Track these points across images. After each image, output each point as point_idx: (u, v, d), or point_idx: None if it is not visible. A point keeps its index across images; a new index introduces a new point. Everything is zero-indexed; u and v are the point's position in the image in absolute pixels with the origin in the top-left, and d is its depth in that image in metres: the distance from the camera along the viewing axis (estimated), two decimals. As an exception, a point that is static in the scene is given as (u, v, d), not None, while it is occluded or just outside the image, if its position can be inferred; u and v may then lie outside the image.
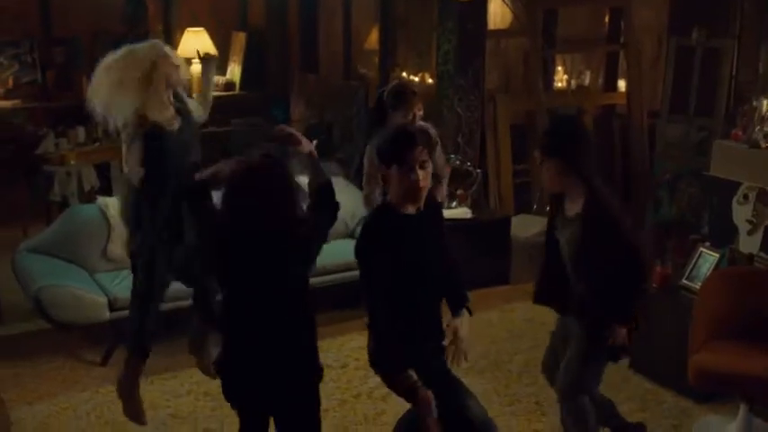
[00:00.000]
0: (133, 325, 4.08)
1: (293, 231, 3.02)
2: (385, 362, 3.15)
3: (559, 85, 8.51)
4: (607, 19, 8.06)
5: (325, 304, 4.79)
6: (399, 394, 3.12)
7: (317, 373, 3.17)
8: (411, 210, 3.12)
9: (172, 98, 3.98)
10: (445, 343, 3.27)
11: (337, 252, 5.54)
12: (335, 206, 3.24)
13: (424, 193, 3.13)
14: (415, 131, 3.23)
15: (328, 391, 4.43)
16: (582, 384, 3.62)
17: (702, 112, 6.85)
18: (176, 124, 3.97)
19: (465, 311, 3.36)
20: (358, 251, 3.14)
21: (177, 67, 3.99)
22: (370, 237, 3.15)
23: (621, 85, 8.16)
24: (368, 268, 3.10)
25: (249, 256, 3.01)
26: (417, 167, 3.04)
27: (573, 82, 8.61)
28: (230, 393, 3.18)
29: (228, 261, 3.08)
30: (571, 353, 3.59)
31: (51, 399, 4.51)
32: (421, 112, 4.83)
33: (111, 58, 3.92)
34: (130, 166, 3.94)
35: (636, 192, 7.68)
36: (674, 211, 6.48)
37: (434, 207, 3.34)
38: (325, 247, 5.57)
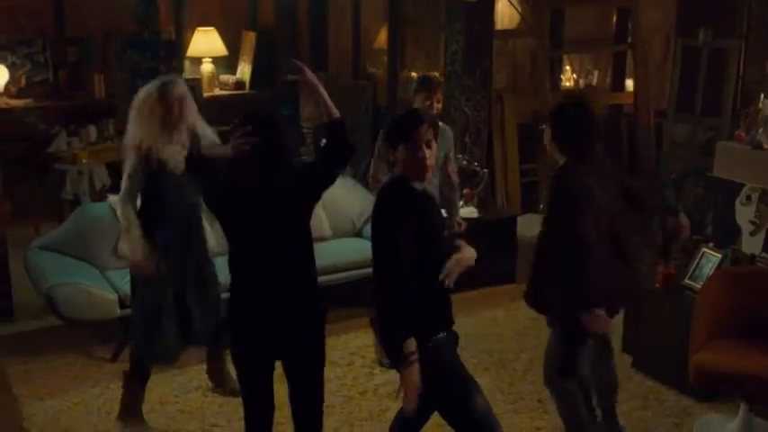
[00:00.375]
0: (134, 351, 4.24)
1: (296, 180, 3.24)
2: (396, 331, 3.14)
3: (568, 84, 8.56)
4: (614, 19, 8.10)
5: (331, 302, 4.86)
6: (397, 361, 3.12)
7: (322, 313, 3.34)
8: (418, 187, 3.22)
9: (185, 138, 4.02)
10: None
11: (345, 251, 5.64)
12: (347, 145, 3.37)
13: (431, 173, 3.24)
14: (422, 112, 3.36)
15: (333, 388, 4.50)
16: (563, 370, 3.70)
17: (709, 112, 6.88)
18: (178, 170, 3.99)
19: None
20: (381, 220, 3.19)
21: (178, 104, 4.03)
22: (395, 204, 3.18)
23: (630, 84, 8.21)
24: (393, 236, 3.09)
25: (254, 208, 3.18)
26: (424, 146, 3.14)
27: (581, 81, 8.66)
28: (241, 347, 3.33)
29: (233, 214, 3.23)
30: (550, 338, 3.69)
31: (62, 394, 4.60)
32: (440, 104, 5.05)
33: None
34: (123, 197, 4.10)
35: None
36: (679, 210, 6.50)
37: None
38: (332, 245, 5.66)
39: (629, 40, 7.85)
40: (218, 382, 4.61)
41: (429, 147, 3.16)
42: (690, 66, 7.01)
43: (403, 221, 3.10)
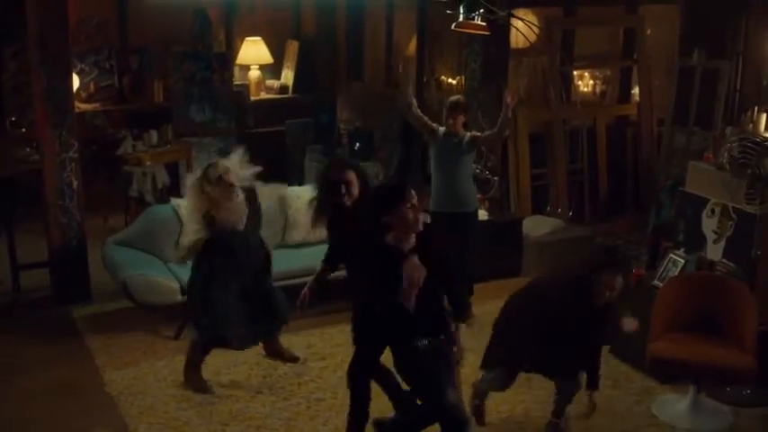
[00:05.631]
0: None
1: None
2: None
3: (586, 90, 9.38)
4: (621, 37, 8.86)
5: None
6: None
7: None
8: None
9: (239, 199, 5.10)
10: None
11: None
12: None
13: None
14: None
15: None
16: None
17: (703, 125, 7.68)
18: (241, 225, 5.13)
19: None
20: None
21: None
22: None
23: (636, 94, 8.97)
24: None
25: None
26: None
27: (598, 88, 9.48)
28: None
29: None
30: None
31: (135, 365, 5.58)
32: (460, 123, 6.19)
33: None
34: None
35: (643, 195, 8.54)
36: (673, 214, 7.27)
37: None
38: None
39: (635, 56, 8.61)
40: (277, 355, 5.57)
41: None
42: (686, 82, 7.81)
43: None
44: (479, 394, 4.89)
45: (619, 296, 4.39)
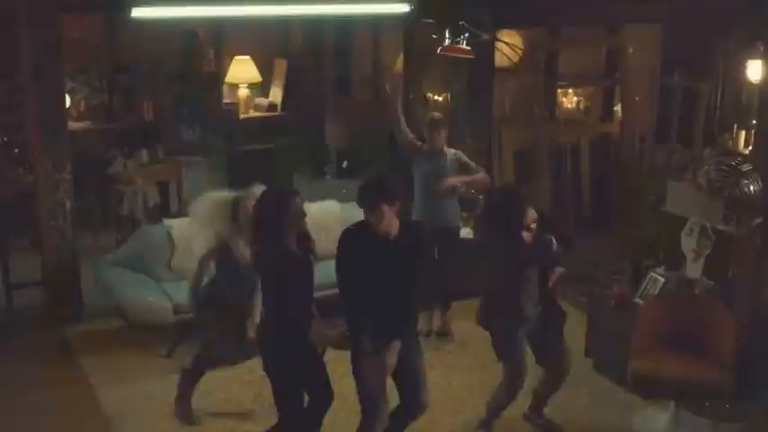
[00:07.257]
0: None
1: None
2: None
3: (569, 106, 9.55)
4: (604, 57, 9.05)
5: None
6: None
7: None
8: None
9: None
10: None
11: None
12: None
13: None
14: None
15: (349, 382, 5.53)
16: None
17: (684, 143, 7.84)
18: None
19: None
20: None
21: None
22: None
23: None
24: None
25: None
26: None
27: (582, 104, 9.65)
28: None
29: None
30: None
31: (129, 384, 5.69)
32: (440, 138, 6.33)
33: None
34: None
35: (625, 211, 8.68)
36: (656, 230, 7.42)
37: None
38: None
39: (617, 75, 8.79)
40: None
41: None
42: (668, 101, 7.98)
43: None
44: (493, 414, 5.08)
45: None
